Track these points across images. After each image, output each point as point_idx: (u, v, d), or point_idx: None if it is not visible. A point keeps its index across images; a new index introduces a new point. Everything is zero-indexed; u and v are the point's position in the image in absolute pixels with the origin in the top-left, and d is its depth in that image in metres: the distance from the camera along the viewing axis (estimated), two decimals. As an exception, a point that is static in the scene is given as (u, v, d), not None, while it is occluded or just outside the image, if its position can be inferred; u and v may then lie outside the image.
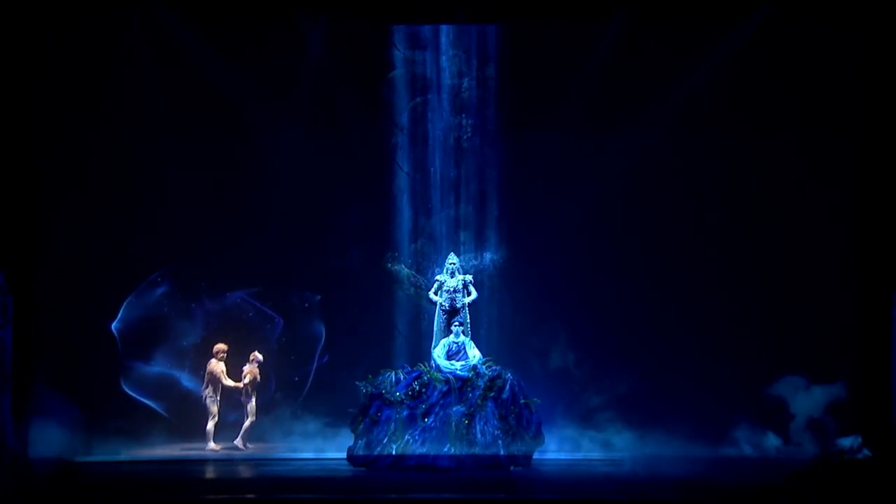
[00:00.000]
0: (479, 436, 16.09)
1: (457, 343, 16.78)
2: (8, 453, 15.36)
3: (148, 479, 15.53)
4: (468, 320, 17.13)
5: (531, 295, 18.56)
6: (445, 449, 15.99)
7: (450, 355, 16.70)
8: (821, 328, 17.94)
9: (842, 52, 17.81)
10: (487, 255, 18.73)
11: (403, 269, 18.76)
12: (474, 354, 16.73)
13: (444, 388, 16.29)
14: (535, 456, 16.44)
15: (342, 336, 18.60)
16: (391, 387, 16.39)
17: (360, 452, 16.22)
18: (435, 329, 17.16)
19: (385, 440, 16.14)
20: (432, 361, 16.75)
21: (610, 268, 18.48)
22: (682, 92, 18.31)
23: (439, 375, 16.42)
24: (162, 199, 18.23)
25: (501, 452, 16.08)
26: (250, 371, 17.95)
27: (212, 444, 17.73)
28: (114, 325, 18.00)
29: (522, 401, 16.43)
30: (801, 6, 17.70)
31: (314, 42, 18.36)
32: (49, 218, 17.75)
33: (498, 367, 16.61)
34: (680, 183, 18.37)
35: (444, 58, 18.83)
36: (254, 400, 17.91)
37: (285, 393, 18.48)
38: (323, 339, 18.61)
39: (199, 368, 18.15)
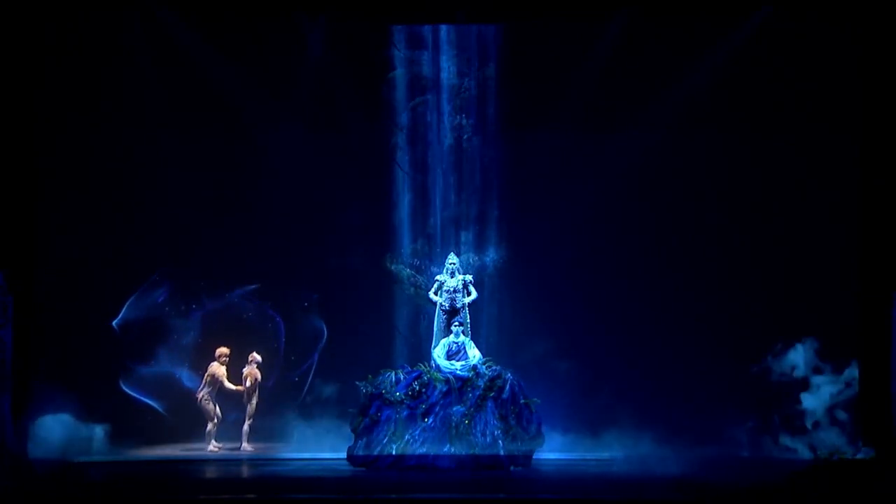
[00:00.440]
0: (479, 436, 16.09)
1: (457, 343, 16.78)
2: (8, 453, 15.36)
3: (148, 479, 15.52)
4: (468, 320, 17.13)
5: (531, 295, 18.55)
6: (445, 449, 16.00)
7: (450, 355, 16.70)
8: (821, 328, 17.94)
9: (842, 52, 17.80)
10: (487, 255, 18.73)
11: (403, 269, 18.76)
12: (474, 354, 16.73)
13: (444, 388, 16.30)
14: (535, 456, 16.44)
15: (342, 336, 18.60)
16: (391, 387, 16.39)
17: (360, 452, 16.22)
18: (435, 329, 17.16)
19: (385, 440, 16.14)
20: (432, 361, 16.75)
21: (610, 268, 18.48)
22: (682, 92, 18.31)
23: (439, 375, 16.43)
24: (162, 199, 18.23)
25: (501, 452, 16.08)
26: (250, 373, 17.95)
27: (212, 445, 17.74)
28: (115, 324, 18.00)
29: (522, 401, 16.44)
30: (801, 6, 17.70)
31: (314, 42, 18.36)
32: (49, 218, 17.74)
33: (498, 367, 16.62)
34: (680, 183, 18.36)
35: (444, 58, 18.83)
36: (254, 401, 17.92)
37: (285, 393, 18.47)
38: (324, 338, 18.61)
39: (200, 368, 18.16)
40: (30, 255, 17.37)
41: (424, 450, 16.00)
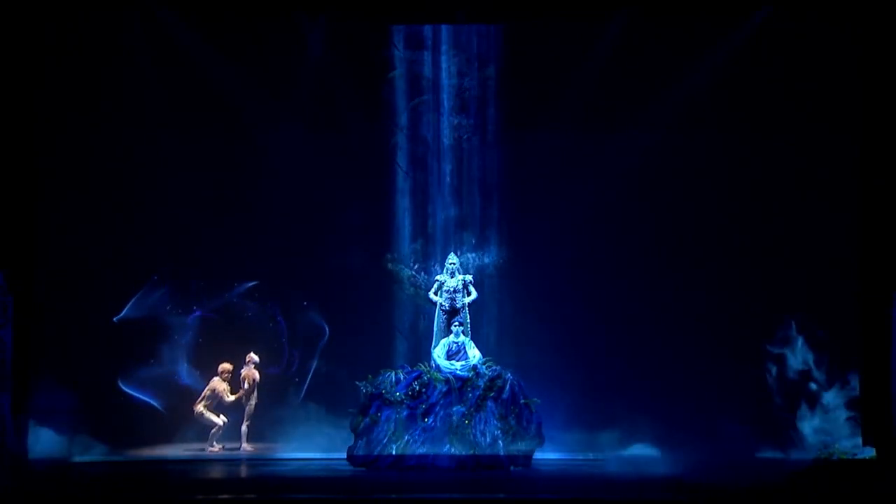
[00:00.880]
0: (479, 436, 16.10)
1: (457, 343, 16.79)
2: (8, 453, 15.36)
3: (148, 479, 15.52)
4: (468, 320, 17.13)
5: (531, 295, 18.55)
6: (445, 449, 16.00)
7: (450, 355, 16.70)
8: (821, 328, 17.94)
9: (842, 52, 17.80)
10: (487, 255, 18.73)
11: (403, 269, 18.76)
12: (474, 354, 16.73)
13: (444, 388, 16.30)
14: (535, 456, 16.44)
15: (342, 336, 18.60)
16: (391, 387, 16.40)
17: (360, 452, 16.22)
18: (435, 329, 17.16)
19: (385, 440, 16.15)
20: (432, 361, 16.75)
21: (610, 268, 18.48)
22: (682, 92, 18.31)
23: (439, 375, 16.43)
24: (162, 199, 18.23)
25: (501, 452, 16.08)
26: (248, 374, 17.94)
27: (212, 446, 17.75)
28: (116, 320, 18.02)
29: (522, 401, 16.44)
30: (801, 6, 17.70)
31: (314, 42, 18.36)
32: (49, 218, 17.74)
33: (498, 367, 16.62)
34: (680, 183, 18.36)
35: (444, 58, 18.83)
36: (253, 401, 17.92)
37: (285, 392, 18.47)
38: (326, 337, 18.61)
39: (200, 367, 18.19)
40: (30, 255, 17.37)
41: (424, 450, 16.01)
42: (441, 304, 17.08)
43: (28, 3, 17.16)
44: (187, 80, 18.18)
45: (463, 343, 16.81)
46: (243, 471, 16.69)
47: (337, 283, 18.68)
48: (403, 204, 18.87)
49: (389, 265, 18.79)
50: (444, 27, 18.73)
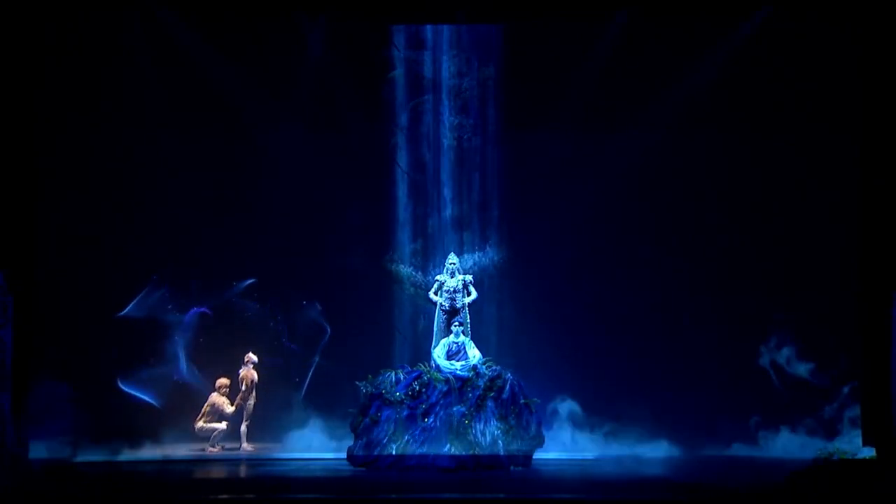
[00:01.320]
0: (479, 436, 16.09)
1: (457, 343, 16.78)
2: (8, 453, 15.35)
3: (148, 479, 15.52)
4: (468, 320, 17.13)
5: (531, 295, 18.56)
6: (445, 449, 15.99)
7: (450, 355, 16.70)
8: (821, 328, 17.95)
9: (842, 52, 17.80)
10: (487, 255, 18.72)
11: (403, 269, 18.76)
12: (474, 354, 16.73)
13: (444, 388, 16.29)
14: (535, 456, 16.43)
15: (342, 336, 18.60)
16: (391, 387, 16.39)
17: (360, 452, 16.21)
18: (435, 329, 17.16)
19: (385, 440, 16.14)
20: (432, 361, 16.75)
21: (610, 268, 18.49)
22: (682, 92, 18.31)
23: (439, 375, 16.42)
24: (162, 199, 18.24)
25: (501, 452, 16.08)
26: (246, 374, 17.93)
27: (212, 447, 17.75)
28: (119, 316, 18.05)
29: (522, 401, 16.43)
30: (801, 6, 17.70)
31: (314, 42, 18.36)
32: (49, 218, 17.74)
33: (498, 367, 16.62)
34: (680, 183, 18.38)
35: (444, 58, 18.83)
36: (251, 401, 17.91)
37: (285, 392, 18.48)
38: (327, 336, 18.62)
39: (200, 367, 18.21)
40: (30, 255, 17.36)
41: (424, 450, 16.00)
42: (441, 304, 17.08)
43: (28, 3, 17.15)
44: (187, 80, 18.18)
45: (463, 343, 16.81)
46: (243, 471, 16.68)
47: (337, 283, 18.68)
48: (403, 204, 18.87)
49: (389, 265, 18.79)
50: (444, 27, 18.74)
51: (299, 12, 18.10)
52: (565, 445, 17.48)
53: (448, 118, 18.85)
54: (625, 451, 17.33)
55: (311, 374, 18.61)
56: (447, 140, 18.86)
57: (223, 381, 18.00)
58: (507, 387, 16.39)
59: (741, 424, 17.86)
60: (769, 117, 18.20)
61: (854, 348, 17.53)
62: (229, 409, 17.87)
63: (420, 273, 18.69)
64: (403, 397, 16.27)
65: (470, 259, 18.55)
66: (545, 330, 18.34)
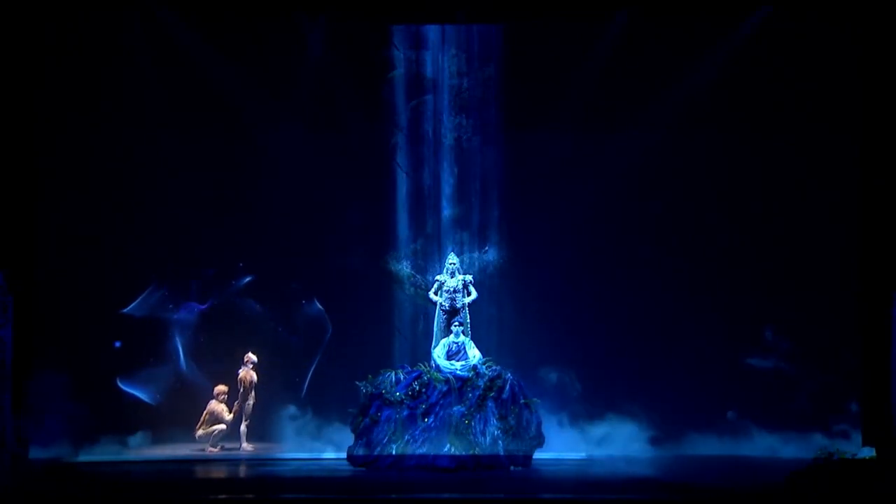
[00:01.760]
0: (479, 436, 16.09)
1: (457, 343, 16.78)
2: (8, 453, 15.36)
3: (148, 479, 15.52)
4: (468, 320, 17.13)
5: (531, 295, 18.55)
6: (445, 449, 15.99)
7: (450, 355, 16.70)
8: (821, 328, 17.96)
9: (842, 52, 17.80)
10: (487, 256, 18.72)
11: (403, 269, 18.76)
12: (474, 354, 16.72)
13: (444, 388, 16.29)
14: (535, 456, 16.43)
15: (342, 336, 18.60)
16: (391, 387, 16.39)
17: (360, 452, 16.22)
18: (435, 329, 17.15)
19: (385, 440, 16.14)
20: (432, 361, 16.75)
21: (610, 267, 18.48)
22: (682, 92, 18.31)
23: (439, 375, 16.42)
24: (162, 199, 18.24)
25: (501, 452, 16.08)
26: (245, 374, 17.93)
27: (212, 447, 17.76)
28: (123, 312, 18.08)
29: (522, 401, 16.43)
30: (801, 6, 17.70)
31: (314, 42, 18.36)
32: (49, 218, 17.75)
33: (498, 367, 16.61)
34: (680, 183, 18.37)
35: (444, 58, 18.82)
36: (251, 401, 17.90)
37: (285, 392, 18.48)
38: (328, 335, 18.62)
39: (200, 367, 18.22)
40: (30, 255, 17.37)
41: (424, 450, 16.00)
42: (441, 304, 17.07)
43: (28, 3, 17.15)
44: (187, 80, 18.17)
45: (463, 343, 16.81)
46: (243, 471, 16.68)
47: (337, 283, 18.68)
48: (403, 204, 18.86)
49: (389, 265, 18.79)
50: (444, 27, 18.73)
51: (299, 12, 18.10)
52: (565, 445, 17.48)
53: (448, 118, 18.85)
54: (625, 451, 17.33)
55: (311, 373, 18.60)
56: (447, 140, 18.85)
57: (221, 387, 18.00)
58: (507, 387, 16.39)
59: (742, 423, 17.86)
60: (769, 117, 18.20)
61: (854, 348, 17.54)
62: (228, 416, 17.88)
63: (420, 273, 18.69)
64: (403, 397, 16.27)
65: (470, 259, 18.53)
66: (545, 330, 18.34)
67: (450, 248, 18.14)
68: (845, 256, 17.90)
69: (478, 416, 16.17)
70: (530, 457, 16.34)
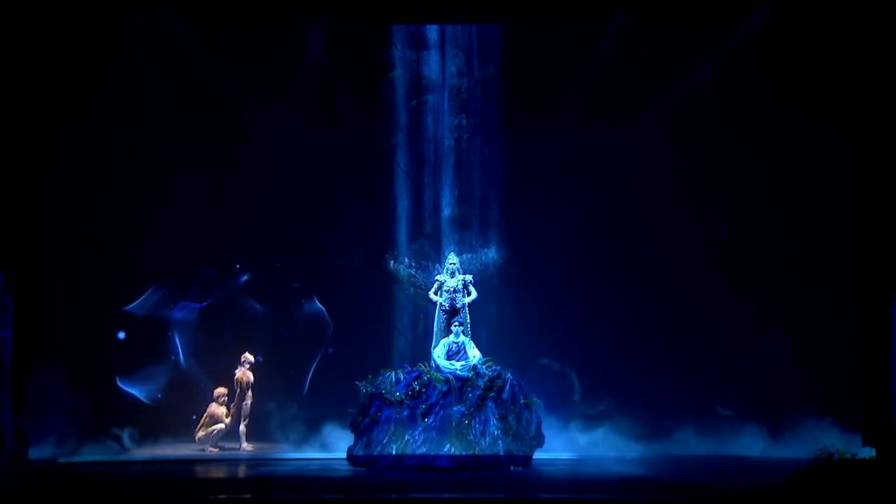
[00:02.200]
0: (479, 436, 16.08)
1: (457, 343, 16.78)
2: (8, 453, 15.36)
3: (148, 479, 15.52)
4: (468, 320, 17.12)
5: (531, 295, 18.56)
6: (445, 449, 15.98)
7: (450, 355, 16.69)
8: (821, 328, 17.96)
9: (842, 52, 17.81)
10: (487, 256, 18.72)
11: (403, 269, 18.76)
12: (474, 354, 16.72)
13: (444, 388, 16.29)
14: (535, 456, 16.43)
15: (342, 336, 18.60)
16: (391, 387, 16.38)
17: (360, 452, 16.22)
18: (435, 329, 17.15)
19: (385, 440, 16.14)
20: (432, 361, 16.74)
21: (610, 268, 18.49)
22: (682, 92, 18.31)
23: (439, 375, 16.42)
24: (162, 199, 18.24)
25: (501, 452, 16.07)
26: (242, 375, 17.92)
27: (213, 447, 17.77)
28: (127, 309, 18.09)
29: (522, 401, 16.43)
30: (801, 6, 17.70)
31: (314, 42, 18.36)
32: (49, 218, 17.75)
33: (498, 367, 16.61)
34: (680, 183, 18.38)
35: (444, 58, 18.82)
36: (248, 401, 17.89)
37: (285, 392, 18.48)
38: (329, 333, 18.62)
39: (201, 367, 18.22)
40: (30, 255, 17.38)
41: (424, 450, 15.99)
42: (441, 304, 17.07)
43: (28, 3, 17.15)
44: (187, 80, 18.18)
45: (463, 343, 16.80)
46: (243, 471, 16.68)
47: (337, 283, 18.68)
48: (403, 204, 18.86)
49: (389, 265, 18.79)
50: (444, 27, 18.73)
51: (299, 12, 18.10)
52: (566, 445, 17.48)
53: (448, 118, 18.85)
54: (625, 451, 17.32)
55: (311, 373, 18.61)
56: (447, 140, 18.85)
57: (221, 390, 17.99)
58: (507, 387, 16.38)
59: (743, 422, 17.86)
60: (769, 117, 18.20)
61: (854, 348, 17.54)
62: (226, 420, 17.87)
63: (420, 273, 18.68)
64: (403, 397, 16.26)
65: (470, 259, 18.52)
66: (545, 330, 18.34)
67: (450, 248, 18.15)
68: (845, 256, 17.90)
69: (478, 416, 16.16)
70: (530, 457, 16.33)
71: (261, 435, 18.14)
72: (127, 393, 18.06)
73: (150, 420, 18.04)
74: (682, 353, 18.13)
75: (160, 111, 18.13)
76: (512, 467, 16.11)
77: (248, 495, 14.33)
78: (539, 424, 16.48)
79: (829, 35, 17.80)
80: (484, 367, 16.56)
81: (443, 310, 17.06)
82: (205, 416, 17.87)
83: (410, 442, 16.08)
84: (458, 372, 16.46)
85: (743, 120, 18.26)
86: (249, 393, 17.92)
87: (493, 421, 16.19)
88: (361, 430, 16.29)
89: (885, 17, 17.18)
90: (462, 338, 16.83)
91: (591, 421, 17.93)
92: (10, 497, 13.78)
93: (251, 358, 18.01)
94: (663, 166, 18.37)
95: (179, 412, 18.12)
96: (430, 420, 16.17)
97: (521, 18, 18.14)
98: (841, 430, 17.43)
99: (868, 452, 16.23)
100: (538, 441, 16.44)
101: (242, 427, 17.85)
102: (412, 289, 18.72)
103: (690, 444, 17.71)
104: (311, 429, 17.97)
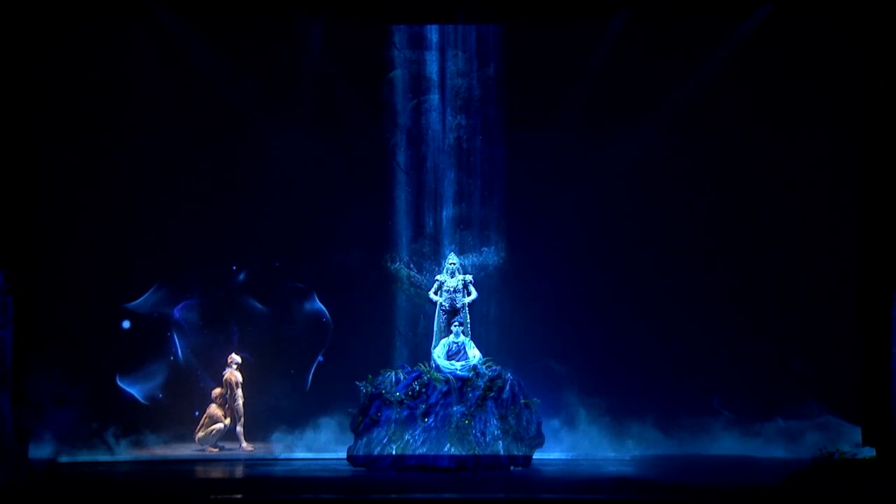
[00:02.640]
0: (479, 436, 16.08)
1: (457, 343, 16.78)
2: (8, 452, 15.36)
3: (148, 479, 15.53)
4: (468, 320, 17.12)
5: (531, 294, 18.57)
6: (445, 449, 15.98)
7: (450, 355, 16.69)
8: (821, 328, 17.96)
9: (842, 52, 17.81)
10: (487, 255, 18.72)
11: (403, 269, 18.76)
12: (474, 354, 16.72)
13: (444, 388, 16.29)
14: (535, 456, 16.43)
15: (342, 336, 18.61)
16: (391, 387, 16.39)
17: (360, 452, 16.22)
18: (435, 329, 17.15)
19: (385, 440, 16.14)
20: (432, 361, 16.74)
21: (610, 267, 18.49)
22: (682, 91, 18.32)
23: (439, 375, 16.42)
24: (162, 199, 18.25)
25: (501, 452, 16.07)
26: (230, 376, 17.91)
27: (213, 447, 17.77)
28: (127, 307, 18.11)
29: (522, 401, 16.43)
30: (800, 6, 17.70)
31: (314, 42, 18.36)
32: (49, 218, 17.75)
33: (498, 367, 16.61)
34: (681, 182, 18.38)
35: (444, 58, 18.82)
36: (240, 401, 17.87)
37: (286, 392, 18.48)
38: (329, 335, 18.63)
39: (202, 366, 18.23)
40: (30, 255, 17.38)
41: (424, 450, 16.00)
42: (441, 304, 17.07)
43: (28, 3, 17.15)
44: (188, 80, 18.19)
45: (463, 343, 16.80)
46: (243, 471, 16.68)
47: (337, 284, 18.69)
48: (403, 204, 18.86)
49: (389, 265, 18.79)
50: (444, 27, 18.73)
51: (299, 12, 18.10)
52: (565, 445, 17.48)
53: (448, 118, 18.85)
54: (626, 451, 17.32)
55: (311, 373, 18.61)
56: (447, 140, 18.86)
57: (218, 390, 17.99)
58: (507, 387, 16.38)
59: (743, 422, 17.86)
60: (769, 117, 18.20)
61: (854, 348, 17.54)
62: (225, 421, 17.88)
63: (420, 273, 18.69)
64: (403, 397, 16.26)
65: (470, 259, 18.53)
66: (545, 330, 18.34)
67: (450, 248, 18.15)
68: (845, 256, 17.90)
69: (478, 416, 16.17)
70: (530, 457, 16.33)
71: (261, 435, 18.13)
72: (127, 392, 18.05)
73: (151, 419, 18.04)
74: (683, 353, 18.13)
75: (161, 111, 18.14)
76: (512, 467, 16.12)
77: (248, 495, 14.32)
78: (539, 424, 16.49)
79: (829, 35, 17.80)
80: (484, 367, 16.56)
81: (443, 310, 17.06)
82: (204, 416, 17.88)
83: (410, 442, 16.08)
84: (458, 372, 16.46)
85: (743, 119, 18.25)
86: (239, 392, 17.90)
87: (493, 421, 16.19)
88: (361, 430, 16.30)
89: (885, 17, 17.17)
90: (462, 338, 16.83)
91: (591, 420, 17.91)
92: (10, 497, 13.78)
93: (238, 358, 18.01)
94: (664, 166, 18.38)
95: (180, 411, 18.13)
96: (430, 420, 16.17)
97: (521, 18, 18.13)
98: (841, 430, 17.41)
99: (868, 452, 16.25)
100: (538, 441, 16.44)
101: (239, 427, 17.84)
102: (412, 289, 18.72)
103: (690, 444, 17.70)
104: (311, 429, 17.96)
